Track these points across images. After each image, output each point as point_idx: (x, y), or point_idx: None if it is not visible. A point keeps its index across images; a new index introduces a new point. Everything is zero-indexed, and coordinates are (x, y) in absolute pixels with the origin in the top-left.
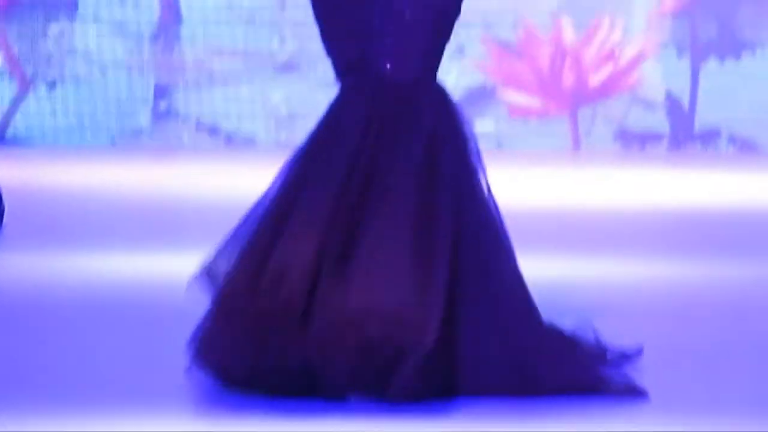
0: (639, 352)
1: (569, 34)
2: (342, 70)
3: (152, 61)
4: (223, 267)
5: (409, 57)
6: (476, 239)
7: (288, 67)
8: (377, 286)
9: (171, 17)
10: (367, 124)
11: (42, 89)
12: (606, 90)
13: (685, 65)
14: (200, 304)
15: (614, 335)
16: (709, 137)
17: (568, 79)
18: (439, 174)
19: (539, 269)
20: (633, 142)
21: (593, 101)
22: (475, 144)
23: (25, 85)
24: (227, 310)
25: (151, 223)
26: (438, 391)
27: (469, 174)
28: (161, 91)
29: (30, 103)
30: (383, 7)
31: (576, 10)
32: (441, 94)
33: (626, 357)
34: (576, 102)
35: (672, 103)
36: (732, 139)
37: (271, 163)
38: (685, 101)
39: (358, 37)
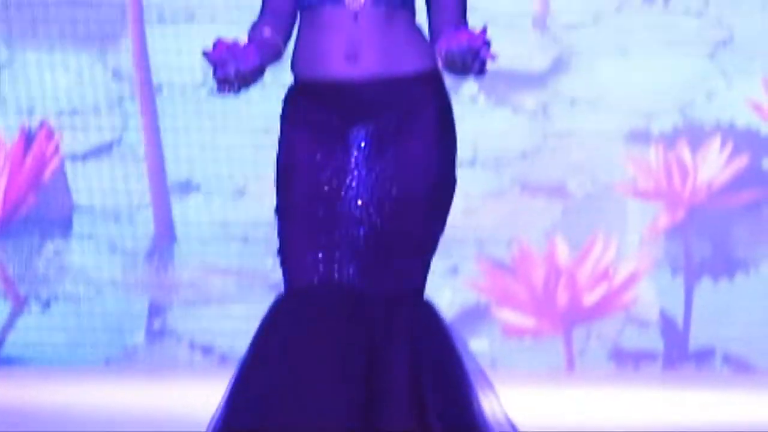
0: None
1: (563, 254)
2: (303, 282)
3: (147, 280)
4: None
5: (386, 274)
6: None
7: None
8: None
9: (165, 235)
10: (332, 347)
11: (36, 308)
12: (600, 309)
13: (679, 284)
14: None
15: None
16: (704, 357)
17: (562, 298)
18: (425, 404)
19: None
20: (627, 361)
21: (587, 320)
22: (473, 362)
23: (19, 304)
24: None
25: None
26: None
27: (462, 395)
28: (155, 310)
29: (24, 323)
30: (360, 221)
31: (570, 229)
32: (426, 312)
33: None
34: (570, 321)
35: (666, 322)
36: (726, 359)
37: None
38: (680, 320)
39: (328, 250)
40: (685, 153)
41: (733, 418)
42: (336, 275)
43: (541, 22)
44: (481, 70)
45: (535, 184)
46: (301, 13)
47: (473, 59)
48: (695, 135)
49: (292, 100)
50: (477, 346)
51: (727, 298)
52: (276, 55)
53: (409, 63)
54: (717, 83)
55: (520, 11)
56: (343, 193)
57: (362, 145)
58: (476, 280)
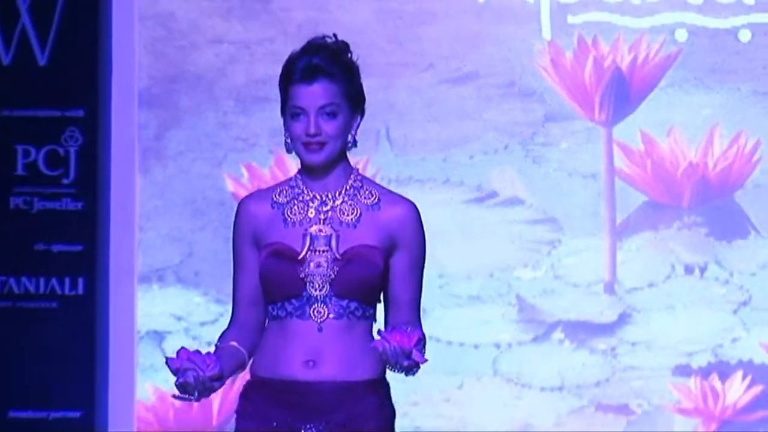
0: None
1: None
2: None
3: None
4: None
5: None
6: None
7: None
8: None
9: None
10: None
11: None
12: None
13: None
14: None
15: None
16: None
17: None
18: None
19: None
20: None
21: None
22: None
23: None
24: None
25: None
26: None
27: None
28: None
29: None
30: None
31: None
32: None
33: None
34: None
35: None
36: None
37: None
38: None
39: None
40: (716, 382)
41: None
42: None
43: (610, 288)
44: (411, 370)
45: (606, 404)
46: (268, 323)
47: (405, 359)
48: (723, 370)
49: (248, 395)
50: None
51: None
52: (240, 366)
53: (362, 371)
54: (739, 332)
55: (594, 280)
56: None
57: None
58: None
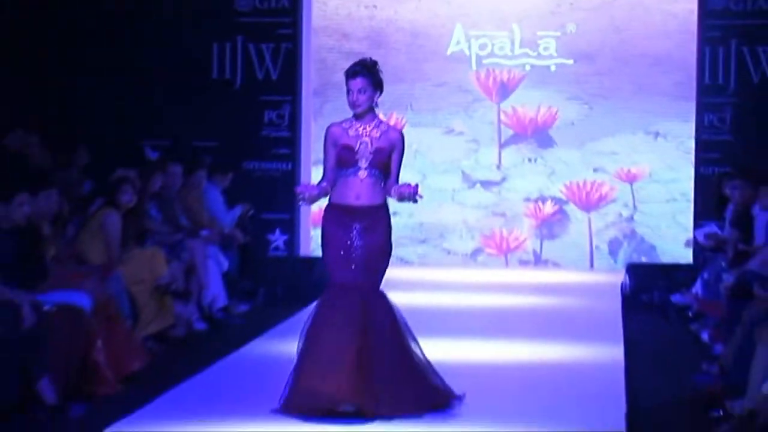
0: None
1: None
2: (339, 280)
3: None
4: None
5: (370, 277)
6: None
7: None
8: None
9: None
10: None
11: None
12: None
13: None
14: None
15: None
16: None
17: None
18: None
19: None
20: None
21: None
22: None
23: None
24: None
25: None
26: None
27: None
28: None
29: None
30: (357, 258)
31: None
32: (384, 294)
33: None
34: None
35: None
36: None
37: None
38: None
39: (347, 268)
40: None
41: None
42: (352, 277)
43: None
44: (414, 200)
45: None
46: (338, 177)
47: (413, 195)
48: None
49: (329, 210)
50: None
51: None
52: (326, 193)
53: (377, 199)
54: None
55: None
56: (351, 247)
57: (358, 229)
58: None
